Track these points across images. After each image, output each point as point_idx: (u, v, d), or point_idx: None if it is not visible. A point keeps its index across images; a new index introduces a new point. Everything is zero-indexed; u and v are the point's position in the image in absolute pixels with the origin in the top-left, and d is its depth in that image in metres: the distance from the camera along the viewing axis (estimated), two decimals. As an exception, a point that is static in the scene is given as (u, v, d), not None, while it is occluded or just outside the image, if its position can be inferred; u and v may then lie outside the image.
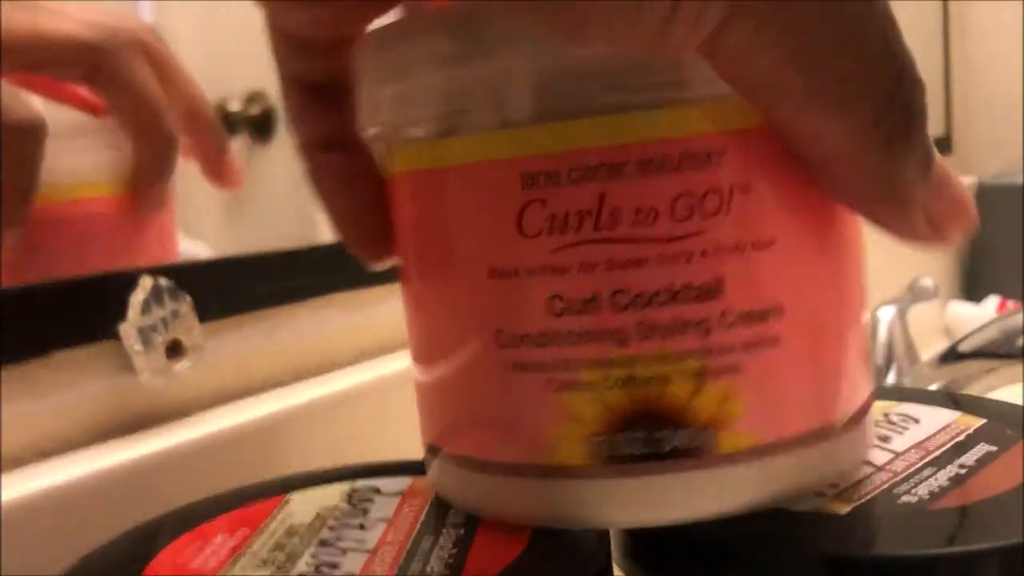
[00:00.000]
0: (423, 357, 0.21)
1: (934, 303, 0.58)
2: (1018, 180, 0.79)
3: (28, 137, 0.24)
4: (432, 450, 0.21)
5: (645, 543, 0.20)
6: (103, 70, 0.26)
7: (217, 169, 0.30)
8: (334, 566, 0.19)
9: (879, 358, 0.55)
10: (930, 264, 0.78)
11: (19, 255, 0.25)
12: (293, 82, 0.21)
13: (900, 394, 0.25)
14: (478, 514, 0.20)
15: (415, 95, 0.19)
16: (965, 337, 0.51)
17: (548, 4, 0.15)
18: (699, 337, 0.18)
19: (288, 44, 0.20)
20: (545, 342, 0.18)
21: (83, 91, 0.28)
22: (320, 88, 0.21)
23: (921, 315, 0.56)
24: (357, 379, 0.30)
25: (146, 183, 0.28)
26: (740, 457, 0.18)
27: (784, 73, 0.15)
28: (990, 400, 0.24)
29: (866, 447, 0.20)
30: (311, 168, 0.21)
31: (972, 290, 0.82)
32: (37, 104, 0.26)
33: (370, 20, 0.20)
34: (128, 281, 0.26)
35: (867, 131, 0.16)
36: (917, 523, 0.18)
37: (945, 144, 0.87)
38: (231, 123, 0.34)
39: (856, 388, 0.20)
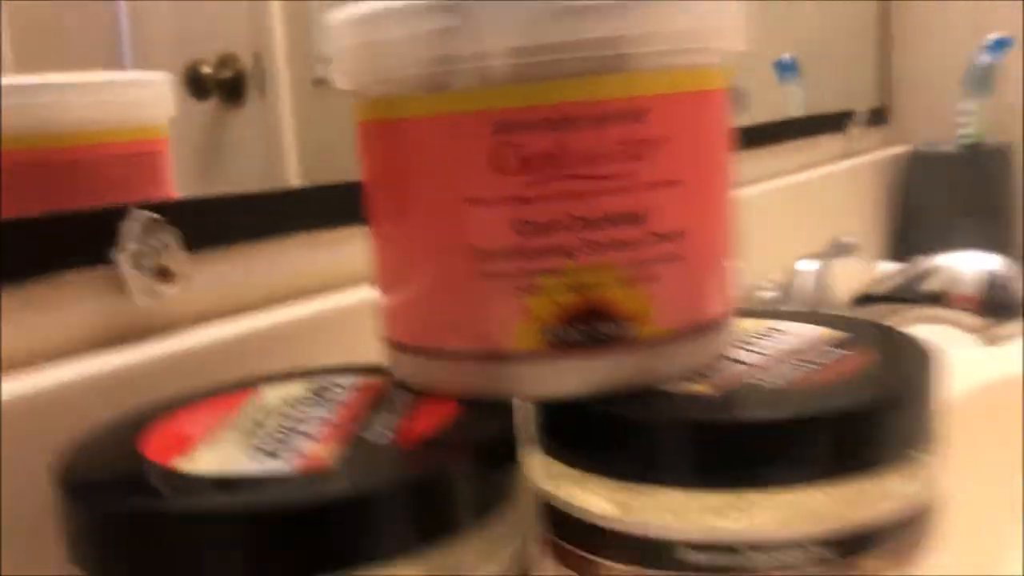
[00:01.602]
0: (396, 276, 0.26)
1: (860, 262, 0.64)
2: (948, 148, 0.88)
3: None
4: (401, 347, 0.26)
5: (558, 418, 0.25)
6: None
7: None
8: (296, 430, 0.23)
9: (800, 306, 0.62)
10: (863, 226, 0.87)
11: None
12: None
13: (777, 314, 0.31)
14: (439, 393, 0.25)
15: (408, 56, 0.24)
16: (876, 283, 0.58)
17: None
18: (629, 252, 0.23)
19: None
20: (510, 256, 0.23)
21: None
22: None
23: (848, 272, 0.62)
24: (320, 307, 0.34)
25: None
26: (654, 343, 0.24)
27: None
28: (850, 317, 0.30)
29: (727, 343, 0.26)
30: None
31: (904, 252, 0.89)
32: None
33: None
34: (122, 214, 0.30)
35: None
36: (771, 398, 0.24)
37: (882, 115, 0.95)
38: (203, 86, 0.37)
39: (727, 296, 0.26)
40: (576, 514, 0.25)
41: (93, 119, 0.32)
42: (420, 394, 0.25)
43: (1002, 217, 0.86)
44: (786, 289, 0.61)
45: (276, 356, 0.32)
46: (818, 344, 0.28)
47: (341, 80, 0.26)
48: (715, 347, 0.26)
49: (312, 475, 0.21)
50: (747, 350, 0.28)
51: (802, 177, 0.79)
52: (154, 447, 0.23)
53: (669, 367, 0.25)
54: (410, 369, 0.26)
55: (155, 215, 0.31)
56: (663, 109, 0.23)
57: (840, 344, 0.28)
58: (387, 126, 0.25)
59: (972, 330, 0.51)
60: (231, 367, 0.31)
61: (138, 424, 0.25)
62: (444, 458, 0.21)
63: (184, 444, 0.23)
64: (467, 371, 0.24)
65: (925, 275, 0.54)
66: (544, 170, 0.23)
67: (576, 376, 0.24)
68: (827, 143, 0.87)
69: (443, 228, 0.24)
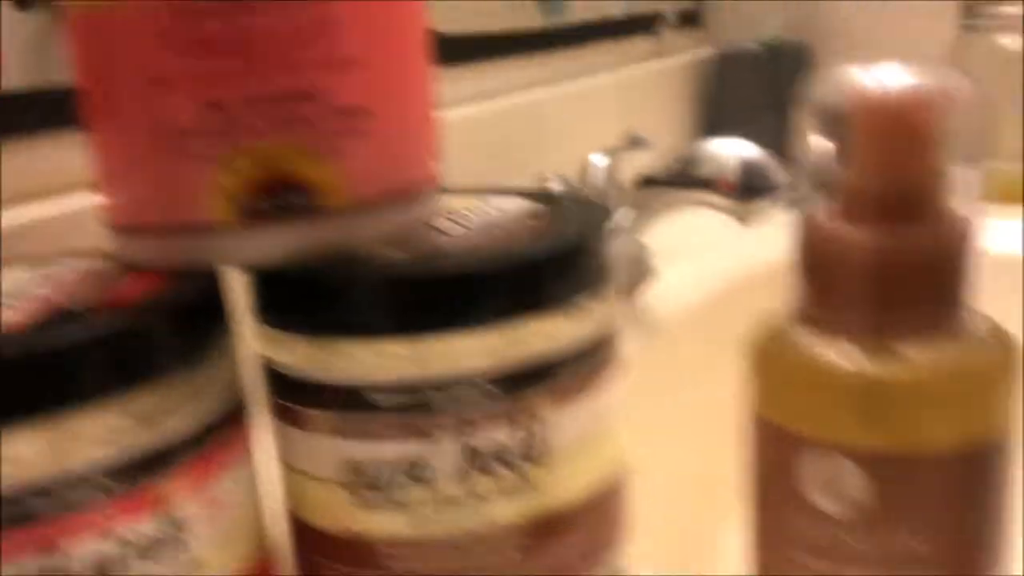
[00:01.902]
0: (101, 160, 0.27)
1: (649, 154, 0.68)
2: (750, 46, 0.92)
3: None
4: (112, 227, 0.28)
5: (262, 284, 0.27)
6: None
7: None
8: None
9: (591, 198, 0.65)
10: (671, 125, 0.91)
11: None
12: None
13: (490, 191, 0.34)
14: (145, 267, 0.26)
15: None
16: (651, 168, 0.62)
17: None
18: (310, 126, 0.25)
19: None
20: (198, 134, 0.25)
21: None
22: None
23: (638, 164, 0.66)
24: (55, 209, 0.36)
25: None
26: (344, 211, 0.26)
27: None
28: (554, 192, 0.33)
29: (426, 213, 0.29)
30: None
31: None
32: None
33: None
34: None
35: None
36: (449, 255, 0.27)
37: (693, 17, 0.99)
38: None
39: (423, 169, 0.28)
40: (282, 371, 0.27)
41: None
42: (130, 269, 0.27)
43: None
44: (581, 181, 0.65)
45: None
46: (511, 214, 0.31)
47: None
48: (411, 216, 0.28)
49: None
50: (450, 222, 0.30)
51: (611, 77, 0.83)
52: None
53: (362, 234, 0.27)
54: (120, 247, 0.27)
55: None
56: (330, -10, 0.25)
57: (528, 213, 0.31)
58: (83, 17, 0.26)
59: (730, 212, 0.55)
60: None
61: None
62: (128, 315, 0.23)
63: None
64: (167, 245, 0.26)
65: (696, 161, 0.58)
66: (222, 49, 0.24)
67: (269, 244, 0.26)
68: (639, 44, 0.90)
69: (133, 110, 0.25)
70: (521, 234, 0.28)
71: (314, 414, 0.27)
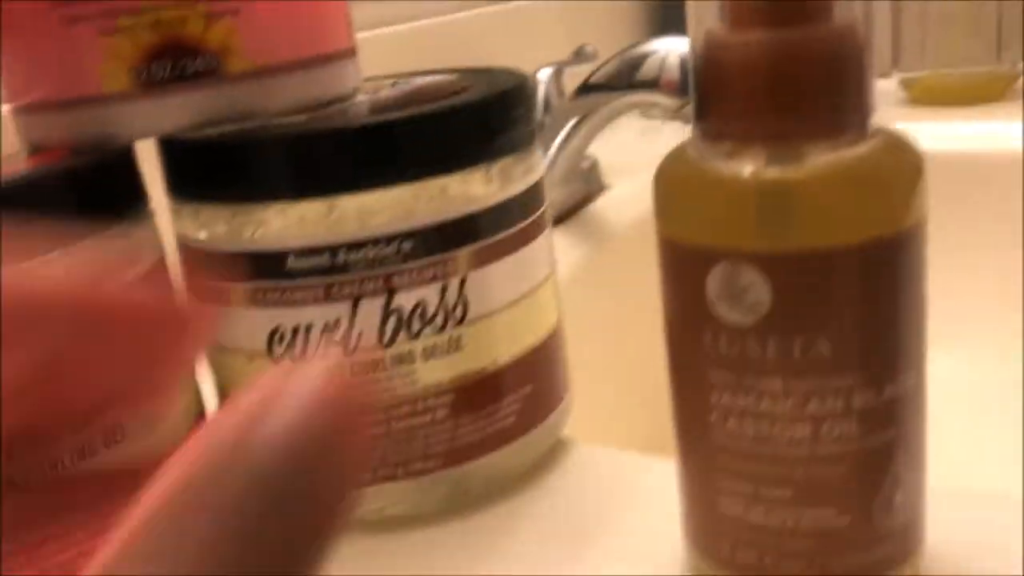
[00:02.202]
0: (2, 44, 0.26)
1: (592, 64, 0.67)
2: None
3: None
4: (15, 111, 0.27)
5: (170, 158, 0.27)
6: None
7: None
8: None
9: (538, 113, 0.64)
10: (623, 29, 0.90)
11: None
12: None
13: (413, 73, 0.33)
14: (49, 145, 0.26)
15: None
16: (594, 72, 0.61)
17: None
18: (203, -13, 0.25)
19: None
20: (87, 0, 0.24)
21: None
22: None
23: (582, 74, 0.65)
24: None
25: None
26: (242, 77, 0.26)
27: None
28: (483, 68, 0.33)
29: (339, 84, 0.28)
30: None
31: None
32: None
33: None
34: None
35: None
36: (359, 115, 0.26)
37: None
38: None
39: (331, 36, 0.28)
40: (198, 246, 0.27)
41: None
42: (37, 149, 0.26)
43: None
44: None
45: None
46: (431, 85, 0.30)
47: None
48: (321, 84, 0.28)
49: None
50: (368, 96, 0.30)
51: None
52: None
53: (269, 100, 0.27)
54: (23, 128, 0.27)
55: None
56: None
57: (449, 82, 0.30)
58: None
59: (675, 113, 0.55)
60: None
61: None
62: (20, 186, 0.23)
63: None
64: (67, 120, 0.26)
65: (637, 62, 0.57)
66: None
67: (169, 112, 0.25)
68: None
69: (21, -21, 0.25)
70: (437, 96, 0.28)
71: (232, 286, 0.27)
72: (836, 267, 0.20)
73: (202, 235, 0.27)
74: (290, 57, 0.26)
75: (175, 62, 0.25)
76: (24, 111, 0.27)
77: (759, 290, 0.20)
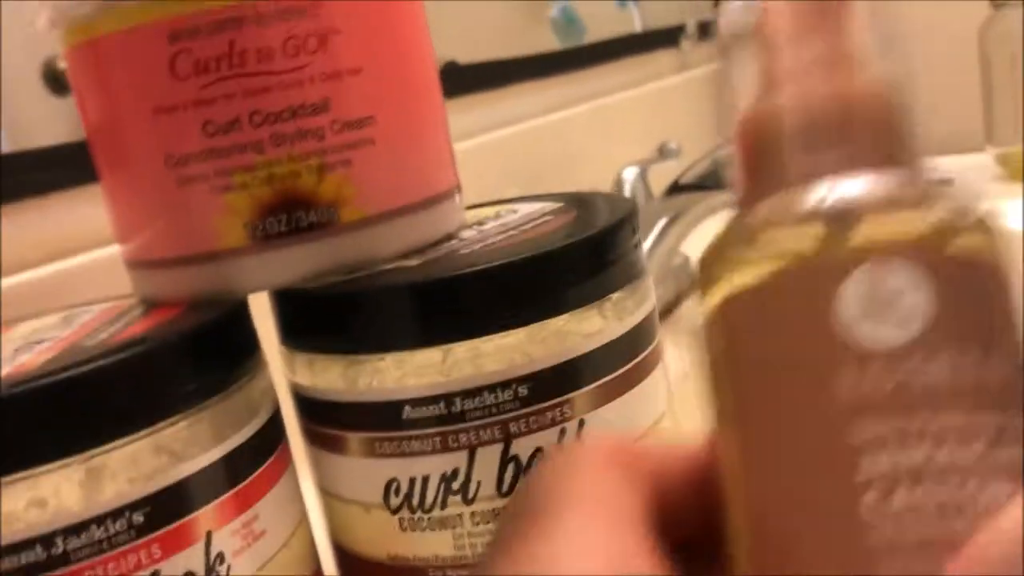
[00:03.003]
0: (114, 197, 0.27)
1: (677, 162, 0.66)
2: None
3: None
4: (130, 264, 0.27)
5: (285, 308, 0.27)
6: None
7: None
8: (25, 348, 0.24)
9: None
10: (701, 133, 0.89)
11: None
12: None
13: (518, 200, 0.33)
14: (165, 301, 0.26)
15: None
16: (684, 173, 0.60)
17: None
18: (317, 141, 0.25)
19: None
20: (204, 158, 0.25)
21: None
22: None
23: (668, 173, 0.64)
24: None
25: None
26: (359, 225, 0.25)
27: None
28: (577, 193, 0.32)
29: (447, 223, 0.28)
30: None
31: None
32: None
33: None
34: None
35: None
36: (464, 260, 0.26)
37: (712, 28, 0.98)
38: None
39: (438, 177, 0.27)
40: (311, 395, 0.27)
41: None
42: (152, 305, 0.27)
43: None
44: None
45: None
46: (536, 216, 0.30)
47: (45, 23, 0.27)
48: (431, 226, 0.28)
49: (11, 377, 0.22)
50: (474, 230, 0.29)
51: (638, 92, 0.82)
52: None
53: (382, 247, 0.26)
54: (139, 283, 0.27)
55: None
56: (330, 3, 0.24)
57: (553, 212, 0.30)
58: (81, 49, 0.26)
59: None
60: None
61: None
62: (135, 346, 0.23)
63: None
64: (184, 276, 0.26)
65: (728, 162, 0.56)
66: (220, 71, 0.24)
67: (284, 265, 0.25)
68: (663, 57, 0.89)
69: (139, 141, 0.25)
70: (544, 232, 0.27)
71: (347, 436, 0.26)
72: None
73: (314, 383, 0.26)
74: (401, 203, 0.26)
75: (290, 215, 0.25)
76: (139, 265, 0.27)
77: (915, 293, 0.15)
